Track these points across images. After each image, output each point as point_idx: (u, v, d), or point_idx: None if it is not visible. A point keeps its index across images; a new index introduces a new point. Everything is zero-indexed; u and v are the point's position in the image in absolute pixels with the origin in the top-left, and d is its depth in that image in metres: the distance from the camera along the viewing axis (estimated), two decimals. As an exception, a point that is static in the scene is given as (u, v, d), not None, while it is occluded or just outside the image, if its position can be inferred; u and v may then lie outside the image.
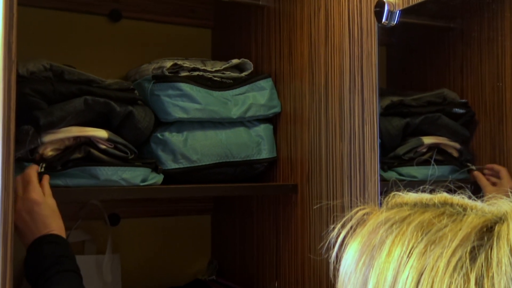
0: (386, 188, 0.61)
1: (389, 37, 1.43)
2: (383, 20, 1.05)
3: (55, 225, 1.01)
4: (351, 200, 1.09)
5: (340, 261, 0.56)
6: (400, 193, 0.58)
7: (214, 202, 1.60)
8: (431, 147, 1.36)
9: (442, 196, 0.55)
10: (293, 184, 1.27)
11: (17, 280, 1.21)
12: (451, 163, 1.35)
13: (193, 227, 1.60)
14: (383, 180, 1.15)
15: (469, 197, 0.55)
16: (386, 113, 1.32)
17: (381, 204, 0.61)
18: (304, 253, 1.24)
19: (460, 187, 0.57)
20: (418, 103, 1.36)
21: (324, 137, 1.18)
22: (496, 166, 1.29)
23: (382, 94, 1.37)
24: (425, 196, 0.56)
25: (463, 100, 1.42)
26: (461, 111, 1.34)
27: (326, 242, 0.60)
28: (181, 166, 1.23)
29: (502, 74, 1.37)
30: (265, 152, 1.32)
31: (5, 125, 0.83)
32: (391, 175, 1.29)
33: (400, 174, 1.30)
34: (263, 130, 1.32)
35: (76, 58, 1.40)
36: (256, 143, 1.31)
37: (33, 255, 0.97)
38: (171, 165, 1.22)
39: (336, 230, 0.59)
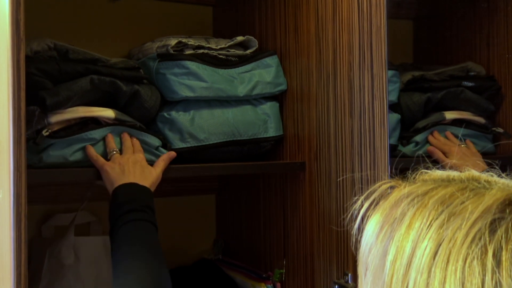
0: (413, 163, 0.61)
1: (415, 11, 1.39)
2: (392, -7, 1.04)
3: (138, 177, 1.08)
4: (361, 176, 1.09)
5: (362, 233, 0.57)
6: (428, 170, 0.58)
7: (219, 181, 1.60)
8: (454, 122, 1.34)
9: (470, 173, 0.55)
10: (301, 162, 1.26)
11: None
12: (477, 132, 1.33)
13: (197, 207, 1.60)
14: (403, 156, 1.14)
15: (499, 175, 0.54)
16: (407, 88, 1.29)
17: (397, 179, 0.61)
18: (313, 230, 1.24)
19: (489, 164, 0.57)
20: (440, 78, 1.33)
21: (333, 114, 1.17)
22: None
23: (405, 69, 1.34)
24: (452, 173, 0.56)
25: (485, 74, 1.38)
26: (470, 84, 1.32)
27: (348, 214, 0.60)
28: (189, 145, 1.22)
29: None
30: (272, 130, 1.31)
31: (15, 104, 0.82)
32: (410, 148, 1.28)
33: (417, 144, 1.28)
34: (269, 108, 1.31)
35: (75, 37, 1.37)
36: (263, 121, 1.30)
37: (111, 202, 1.05)
38: (178, 144, 1.21)
39: (359, 202, 0.59)
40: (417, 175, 0.58)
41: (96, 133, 1.10)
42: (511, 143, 1.37)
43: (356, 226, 0.59)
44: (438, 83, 1.34)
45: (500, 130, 1.36)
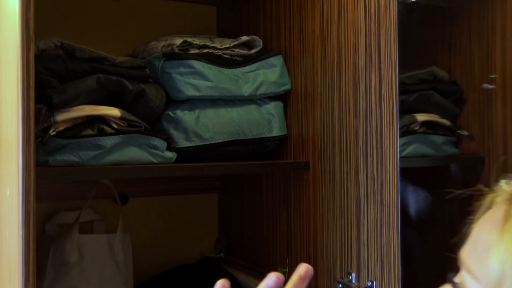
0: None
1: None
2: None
3: None
4: (367, 176, 1.09)
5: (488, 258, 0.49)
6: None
7: (222, 180, 1.60)
8: (424, 124, 1.38)
9: None
10: (305, 162, 1.27)
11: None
12: (445, 135, 1.37)
13: (200, 205, 1.60)
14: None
15: None
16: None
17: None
18: (316, 230, 1.24)
19: None
20: (412, 81, 1.37)
21: (338, 114, 1.17)
22: None
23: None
24: None
25: (452, 79, 1.43)
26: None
27: (459, 236, 0.54)
28: (193, 144, 1.22)
29: (492, 51, 1.38)
30: (276, 130, 1.31)
31: (24, 103, 0.82)
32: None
33: None
34: (273, 108, 1.31)
35: (79, 36, 1.37)
36: (267, 121, 1.30)
37: None
38: (183, 143, 1.21)
39: (470, 222, 0.53)
40: (507, 184, 0.53)
41: (106, 140, 1.08)
42: (472, 145, 1.41)
43: (469, 248, 0.52)
44: (411, 86, 1.37)
45: (465, 133, 1.41)
